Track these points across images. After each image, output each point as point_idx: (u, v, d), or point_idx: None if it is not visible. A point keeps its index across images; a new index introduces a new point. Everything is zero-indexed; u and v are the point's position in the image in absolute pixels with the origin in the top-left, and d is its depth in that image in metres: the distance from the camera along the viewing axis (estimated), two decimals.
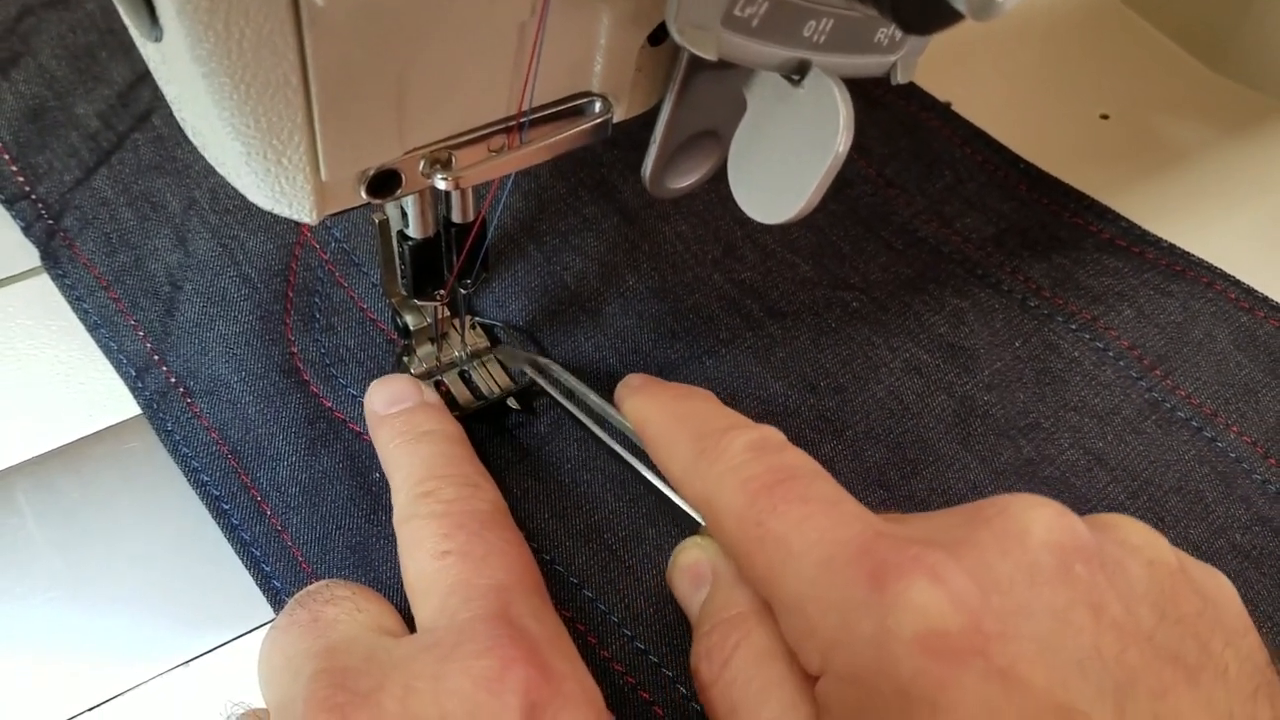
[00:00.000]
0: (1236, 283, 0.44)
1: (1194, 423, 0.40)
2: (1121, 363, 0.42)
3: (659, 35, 0.29)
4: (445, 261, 0.36)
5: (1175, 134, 0.52)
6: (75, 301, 0.41)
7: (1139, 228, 0.46)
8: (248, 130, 0.25)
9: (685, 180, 0.33)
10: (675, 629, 0.34)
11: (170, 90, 0.27)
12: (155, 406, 0.38)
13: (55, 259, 0.42)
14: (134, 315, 0.40)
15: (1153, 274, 0.44)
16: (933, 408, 0.40)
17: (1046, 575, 0.25)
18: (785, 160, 0.29)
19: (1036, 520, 0.26)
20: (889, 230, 0.46)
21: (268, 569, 0.35)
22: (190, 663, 0.33)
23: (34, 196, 0.44)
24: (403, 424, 0.35)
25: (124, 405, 0.39)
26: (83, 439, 0.38)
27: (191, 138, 0.28)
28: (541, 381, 0.38)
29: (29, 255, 0.42)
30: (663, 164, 0.32)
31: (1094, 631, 0.24)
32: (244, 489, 0.36)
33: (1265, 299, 0.43)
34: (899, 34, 0.29)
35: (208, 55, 0.23)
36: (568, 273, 0.43)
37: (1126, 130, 0.52)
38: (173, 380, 0.39)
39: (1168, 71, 0.55)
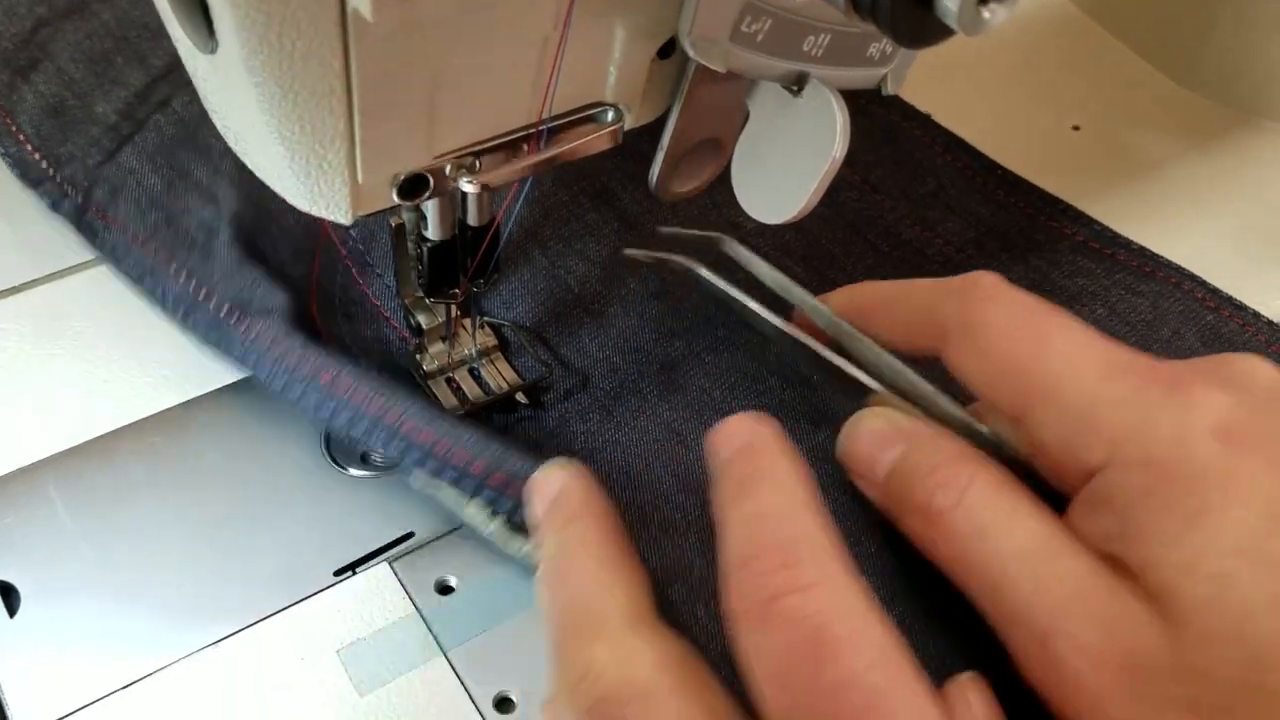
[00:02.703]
0: (1203, 283, 0.46)
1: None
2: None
3: (667, 49, 0.31)
4: (459, 263, 0.38)
5: (1143, 144, 0.55)
6: (117, 262, 0.43)
7: (1111, 230, 0.49)
8: (293, 136, 0.27)
9: (689, 185, 0.36)
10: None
11: (216, 100, 0.29)
12: (214, 340, 0.39)
13: (92, 231, 0.44)
14: (174, 262, 0.41)
15: (1124, 274, 0.47)
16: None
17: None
18: (786, 165, 0.31)
19: (1257, 367, 0.30)
20: (874, 233, 0.48)
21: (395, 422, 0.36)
22: (219, 643, 0.35)
23: (59, 179, 0.45)
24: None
25: (149, 403, 0.40)
26: (109, 434, 0.39)
27: (232, 144, 0.30)
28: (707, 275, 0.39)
29: (53, 260, 0.44)
30: (669, 170, 0.34)
31: None
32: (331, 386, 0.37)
33: (1229, 299, 0.46)
34: (890, 49, 0.32)
35: (261, 66, 0.25)
36: (571, 276, 0.45)
37: (1097, 141, 0.55)
38: (223, 312, 0.39)
39: (1136, 86, 0.58)
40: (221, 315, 0.39)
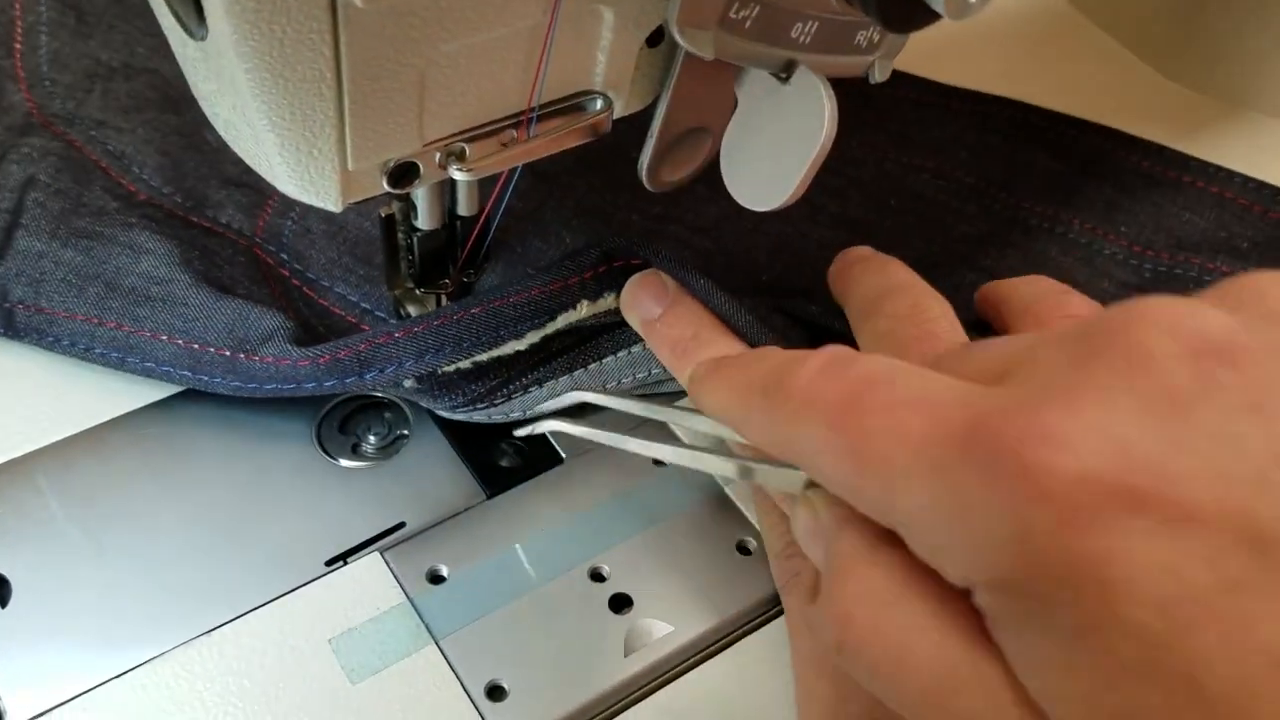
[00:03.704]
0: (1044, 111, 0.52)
1: (1045, 226, 0.47)
2: (974, 194, 0.49)
3: (656, 37, 0.32)
4: (449, 253, 0.38)
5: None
6: (86, 353, 0.39)
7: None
8: (283, 122, 0.27)
9: (679, 173, 0.36)
10: None
11: (207, 87, 0.29)
12: (233, 380, 0.38)
13: (37, 331, 0.40)
14: (145, 328, 0.39)
15: (973, 117, 0.52)
16: None
17: (1187, 396, 0.21)
18: (774, 152, 0.31)
19: (1157, 336, 0.22)
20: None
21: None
22: (211, 632, 0.35)
23: None
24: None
25: (140, 394, 0.40)
26: (100, 425, 0.39)
27: (222, 132, 0.30)
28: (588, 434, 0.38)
29: None
30: (659, 158, 0.34)
31: (1264, 436, 0.21)
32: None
33: (1064, 116, 0.52)
34: (877, 36, 0.32)
35: (251, 52, 0.25)
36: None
37: None
38: (226, 353, 0.38)
39: (1125, 79, 0.58)
40: (227, 356, 0.38)
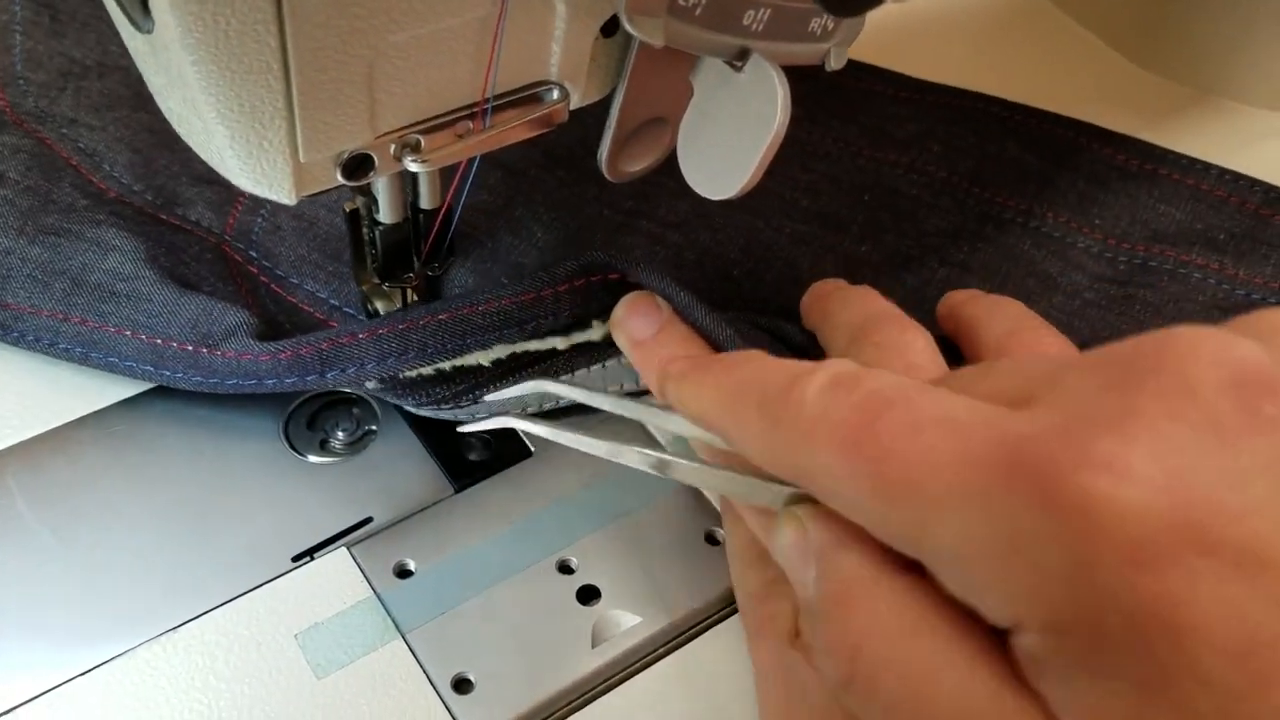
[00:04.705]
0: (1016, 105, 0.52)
1: (1018, 220, 0.47)
2: (946, 188, 0.48)
3: (611, 26, 0.32)
4: (413, 247, 0.38)
5: (1104, 125, 0.55)
6: (49, 349, 0.40)
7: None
8: (232, 115, 0.27)
9: (639, 164, 0.36)
10: None
11: (157, 80, 0.29)
12: (195, 375, 0.38)
13: (1, 328, 0.40)
14: (110, 324, 0.39)
15: (945, 111, 0.51)
16: (824, 270, 0.45)
17: (1234, 428, 0.20)
18: (729, 140, 0.31)
19: (1196, 365, 0.21)
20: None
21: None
22: (178, 628, 0.35)
23: None
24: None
25: (108, 391, 0.40)
26: (68, 424, 0.39)
27: (175, 125, 0.30)
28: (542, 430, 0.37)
29: None
30: (618, 149, 0.34)
31: None
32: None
33: (1037, 109, 0.52)
34: (831, 24, 0.32)
35: (196, 44, 0.25)
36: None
37: None
38: (189, 348, 0.38)
39: (1096, 67, 0.58)
40: (190, 351, 0.38)
